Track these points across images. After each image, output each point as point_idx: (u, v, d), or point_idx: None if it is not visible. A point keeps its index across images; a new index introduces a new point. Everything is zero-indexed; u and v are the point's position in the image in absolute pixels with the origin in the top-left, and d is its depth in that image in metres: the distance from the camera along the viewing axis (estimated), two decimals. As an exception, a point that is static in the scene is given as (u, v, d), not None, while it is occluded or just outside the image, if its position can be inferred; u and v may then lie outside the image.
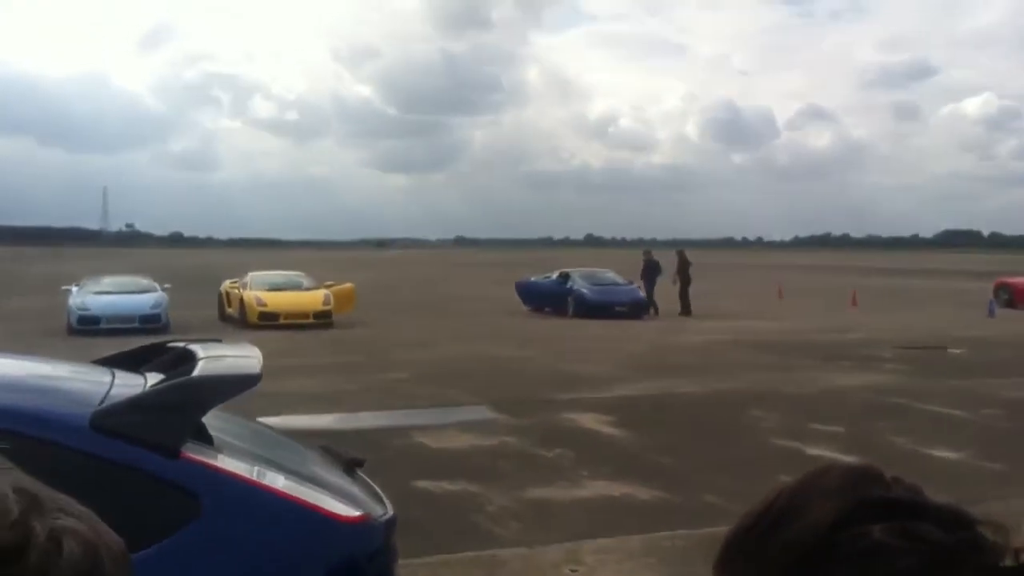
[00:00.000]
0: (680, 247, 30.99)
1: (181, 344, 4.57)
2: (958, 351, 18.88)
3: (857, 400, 13.20)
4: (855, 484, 0.72)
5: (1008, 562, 0.68)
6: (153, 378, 3.95)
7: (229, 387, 3.62)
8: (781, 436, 10.73)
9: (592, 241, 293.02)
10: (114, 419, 3.25)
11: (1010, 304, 30.71)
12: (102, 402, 3.39)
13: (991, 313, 27.76)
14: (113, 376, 3.91)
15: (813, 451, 9.71)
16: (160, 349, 4.71)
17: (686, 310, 27.58)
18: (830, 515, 0.69)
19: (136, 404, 3.39)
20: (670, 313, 27.25)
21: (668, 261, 29.03)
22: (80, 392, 3.65)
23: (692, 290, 28.31)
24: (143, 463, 3.18)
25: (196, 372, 3.63)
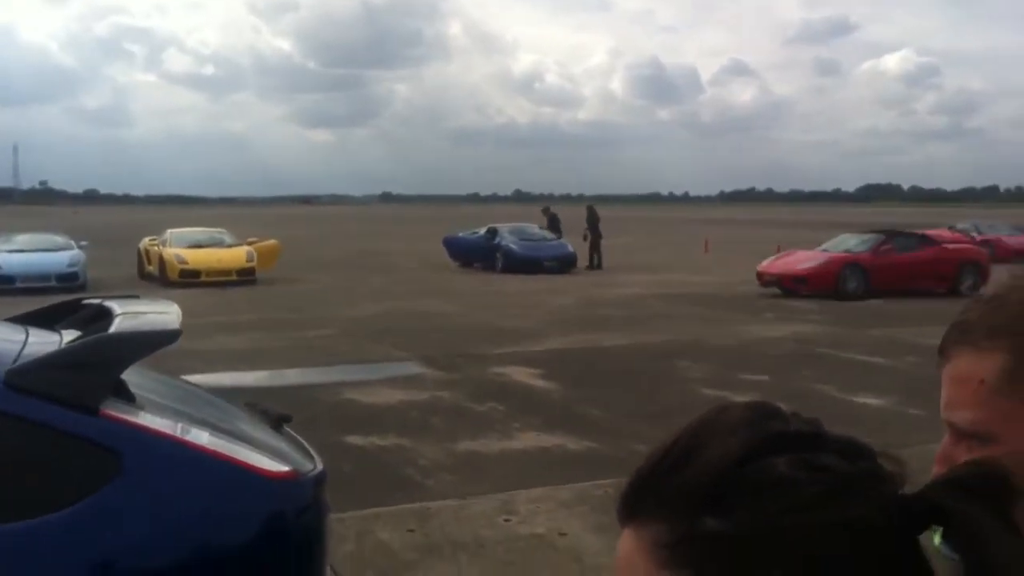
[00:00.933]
0: (591, 203, 31.18)
1: (97, 301, 4.42)
2: (880, 300, 19.29)
3: (783, 350, 13.42)
4: (756, 420, 0.73)
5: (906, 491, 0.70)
6: (69, 335, 3.82)
7: (147, 343, 3.50)
8: (709, 386, 10.86)
9: (521, 197, 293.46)
10: (29, 377, 3.13)
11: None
12: (16, 360, 3.26)
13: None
14: (27, 334, 3.76)
15: (740, 399, 9.80)
16: (76, 306, 4.56)
17: (597, 264, 27.87)
18: (734, 450, 0.70)
19: (51, 361, 3.27)
20: (588, 267, 27.55)
21: (580, 216, 29.24)
22: (-8, 350, 3.49)
23: (611, 244, 28.54)
24: (61, 421, 3.06)
25: (113, 328, 3.51)
